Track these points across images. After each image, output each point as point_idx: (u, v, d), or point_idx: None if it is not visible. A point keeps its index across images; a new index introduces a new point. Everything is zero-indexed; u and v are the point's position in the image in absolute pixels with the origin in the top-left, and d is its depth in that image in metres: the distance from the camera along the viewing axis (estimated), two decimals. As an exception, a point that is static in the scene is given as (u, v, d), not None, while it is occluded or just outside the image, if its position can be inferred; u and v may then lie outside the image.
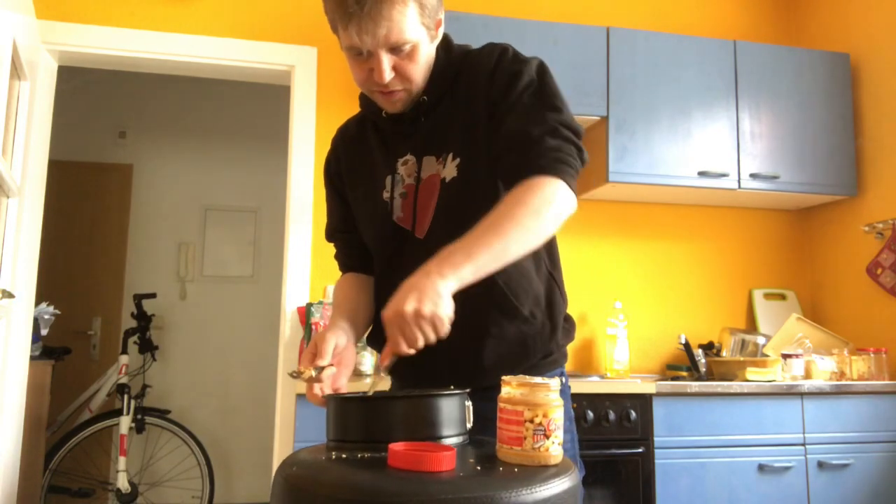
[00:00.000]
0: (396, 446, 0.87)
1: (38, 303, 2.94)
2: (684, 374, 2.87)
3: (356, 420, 0.98)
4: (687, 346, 2.87)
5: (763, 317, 3.19)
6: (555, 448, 0.90)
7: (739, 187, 2.90)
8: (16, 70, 2.41)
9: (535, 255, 1.23)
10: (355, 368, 2.32)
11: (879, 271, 2.92)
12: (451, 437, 0.97)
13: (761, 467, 2.48)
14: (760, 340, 2.91)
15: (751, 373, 2.58)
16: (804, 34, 3.44)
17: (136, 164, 4.52)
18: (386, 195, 1.26)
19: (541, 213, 1.05)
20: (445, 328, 0.97)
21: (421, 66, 1.17)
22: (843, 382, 2.61)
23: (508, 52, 1.21)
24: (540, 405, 0.89)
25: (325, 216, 1.45)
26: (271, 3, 2.96)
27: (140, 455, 4.15)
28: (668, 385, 2.48)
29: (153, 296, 3.90)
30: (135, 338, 3.79)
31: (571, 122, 1.15)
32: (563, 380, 1.22)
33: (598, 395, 2.42)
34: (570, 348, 1.32)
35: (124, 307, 4.30)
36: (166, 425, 3.73)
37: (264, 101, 4.48)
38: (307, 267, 2.83)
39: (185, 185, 4.57)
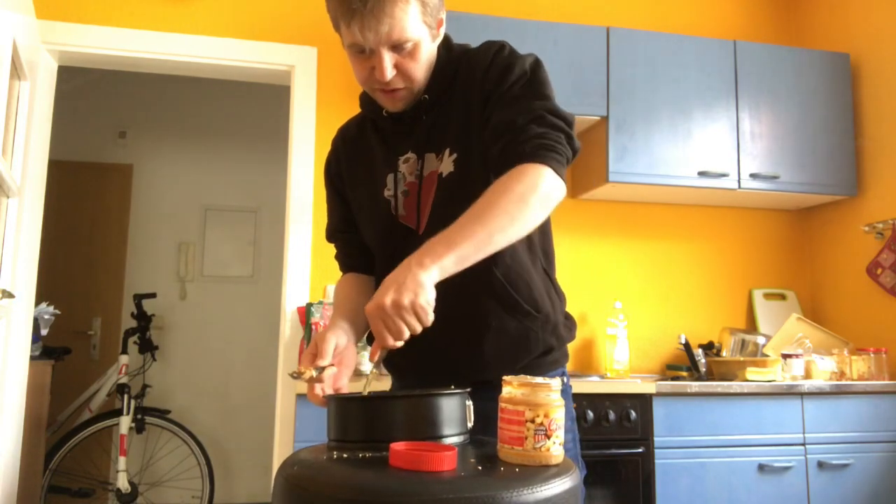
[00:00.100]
0: (397, 446, 0.87)
1: (38, 303, 2.94)
2: (684, 374, 2.87)
3: (357, 420, 0.98)
4: (687, 346, 2.87)
5: (763, 317, 3.19)
6: (556, 448, 0.90)
7: (739, 187, 2.90)
8: (16, 70, 2.41)
9: (532, 251, 1.23)
10: (356, 369, 2.32)
11: (879, 271, 2.92)
12: (452, 437, 0.97)
13: (761, 467, 2.49)
14: (760, 340, 2.91)
15: (751, 373, 2.58)
16: (804, 34, 3.44)
17: (136, 164, 4.52)
18: (388, 193, 1.26)
19: (525, 200, 1.05)
20: (429, 317, 0.97)
21: (422, 65, 1.17)
22: (843, 382, 2.61)
23: (504, 49, 1.22)
24: (541, 405, 0.89)
25: (326, 216, 1.45)
26: (271, 3, 2.96)
27: (140, 455, 4.15)
28: (668, 385, 2.48)
29: (153, 296, 3.90)
30: (135, 338, 3.79)
31: (558, 109, 1.14)
32: (565, 380, 1.22)
33: (598, 395, 2.42)
34: (570, 348, 1.32)
35: (124, 307, 4.30)
36: (166, 425, 3.73)
37: (264, 101, 4.48)
38: (307, 267, 2.83)
39: (185, 185, 4.57)
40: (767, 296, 3.26)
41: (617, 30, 2.88)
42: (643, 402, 2.45)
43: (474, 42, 1.29)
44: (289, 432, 2.51)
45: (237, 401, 4.46)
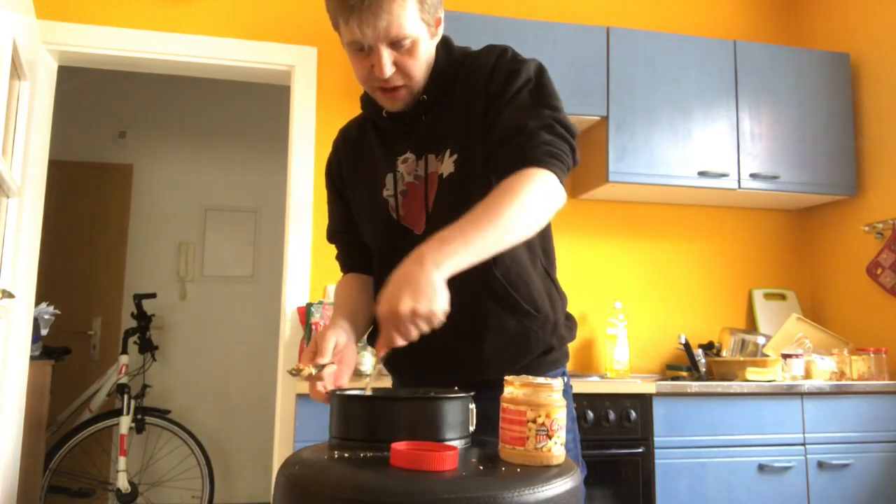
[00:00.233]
0: (399, 446, 0.87)
1: (38, 303, 2.93)
2: (684, 374, 2.87)
3: (360, 419, 0.98)
4: (687, 346, 2.87)
5: (763, 317, 3.19)
6: (557, 448, 0.90)
7: (739, 187, 2.91)
8: (16, 70, 2.41)
9: (531, 251, 1.23)
10: (356, 368, 2.33)
11: (879, 271, 2.92)
12: (455, 440, 0.97)
13: (761, 467, 2.49)
14: (760, 340, 2.91)
15: (751, 373, 2.58)
16: (804, 34, 3.44)
17: (136, 164, 4.52)
18: (386, 193, 1.26)
19: (535, 202, 1.06)
20: (440, 319, 0.97)
21: (421, 63, 1.18)
22: (843, 382, 2.62)
23: (507, 53, 1.22)
24: (543, 405, 0.89)
25: (326, 217, 1.45)
26: (271, 3, 2.96)
27: (140, 455, 4.14)
28: (668, 385, 2.48)
29: (153, 296, 3.90)
30: (135, 338, 3.79)
31: (566, 121, 1.16)
32: (566, 380, 1.22)
33: (598, 395, 2.43)
34: (571, 348, 1.32)
35: (124, 307, 4.29)
36: (166, 425, 3.73)
37: (264, 101, 4.48)
38: (307, 267, 2.83)
39: (185, 185, 4.57)
40: (767, 296, 3.26)
41: (617, 30, 2.88)
42: (643, 402, 2.45)
43: (474, 42, 1.29)
44: (289, 432, 2.51)
45: (237, 401, 4.46)
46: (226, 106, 4.61)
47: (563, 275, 1.31)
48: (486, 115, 1.19)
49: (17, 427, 2.63)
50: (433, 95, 1.23)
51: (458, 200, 1.18)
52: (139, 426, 3.62)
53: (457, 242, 0.99)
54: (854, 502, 2.54)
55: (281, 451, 2.65)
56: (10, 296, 2.31)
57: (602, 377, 2.84)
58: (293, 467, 0.89)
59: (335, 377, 1.13)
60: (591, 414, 2.39)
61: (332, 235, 1.44)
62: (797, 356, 2.68)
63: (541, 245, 1.26)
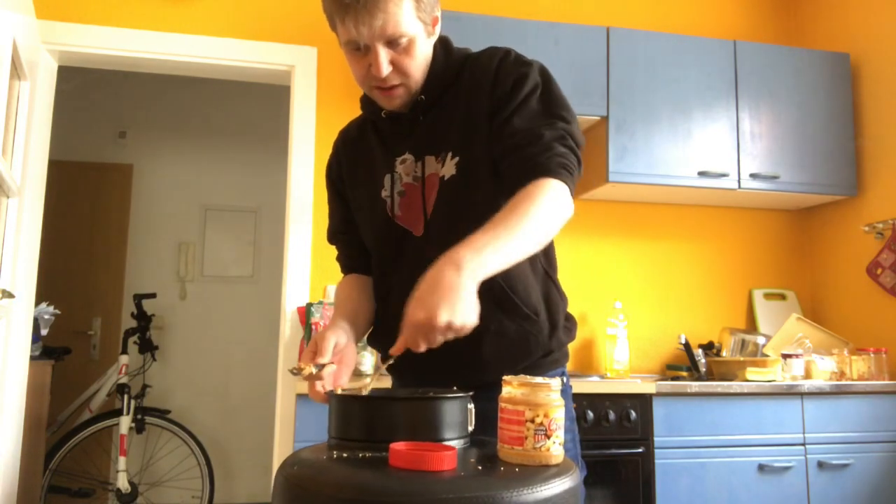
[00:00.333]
0: (398, 446, 0.87)
1: (38, 303, 2.94)
2: (684, 374, 2.87)
3: (359, 419, 0.98)
4: (687, 346, 2.87)
5: (763, 317, 3.19)
6: (556, 448, 0.90)
7: (739, 187, 2.90)
8: (16, 70, 2.41)
9: None
10: (355, 368, 2.33)
11: (879, 271, 2.92)
12: (453, 441, 0.97)
13: (761, 467, 2.49)
14: (760, 340, 2.91)
15: (751, 373, 2.58)
16: (804, 34, 3.44)
17: (136, 164, 4.53)
18: (384, 194, 1.26)
19: (551, 214, 1.08)
20: (467, 332, 0.97)
21: (418, 62, 1.18)
22: (843, 382, 2.61)
23: (511, 55, 1.22)
24: (541, 405, 0.89)
25: (327, 217, 1.45)
26: (271, 3, 2.96)
27: (140, 455, 4.14)
28: (668, 385, 2.48)
29: (153, 296, 3.90)
30: (135, 338, 3.79)
31: (577, 134, 1.18)
32: (565, 379, 1.22)
33: (598, 395, 2.42)
34: (571, 348, 1.32)
35: (124, 307, 4.30)
36: (166, 425, 3.73)
37: (264, 101, 4.48)
38: (307, 267, 2.83)
39: (185, 185, 4.57)
40: (767, 296, 3.26)
41: (617, 30, 2.88)
42: (643, 402, 2.45)
43: (474, 43, 1.30)
44: (289, 432, 2.51)
45: (237, 401, 4.46)
46: (226, 106, 4.61)
47: (563, 275, 1.31)
48: (491, 119, 1.19)
49: (17, 427, 2.63)
50: (432, 96, 1.23)
51: (459, 203, 1.19)
52: (139, 426, 3.62)
53: (489, 252, 0.99)
54: (854, 502, 2.54)
55: (281, 451, 2.65)
56: (10, 296, 2.31)
57: (602, 377, 2.84)
58: (292, 467, 0.89)
59: (335, 377, 1.13)
60: (591, 414, 2.39)
61: (333, 236, 1.44)
62: (797, 356, 2.68)
63: None
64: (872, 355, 2.72)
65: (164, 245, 4.51)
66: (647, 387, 2.45)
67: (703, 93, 2.91)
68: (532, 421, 0.88)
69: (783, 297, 3.27)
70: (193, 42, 2.85)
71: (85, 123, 4.43)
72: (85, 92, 4.37)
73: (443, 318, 0.93)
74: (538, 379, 0.91)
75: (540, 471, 0.86)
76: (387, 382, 1.44)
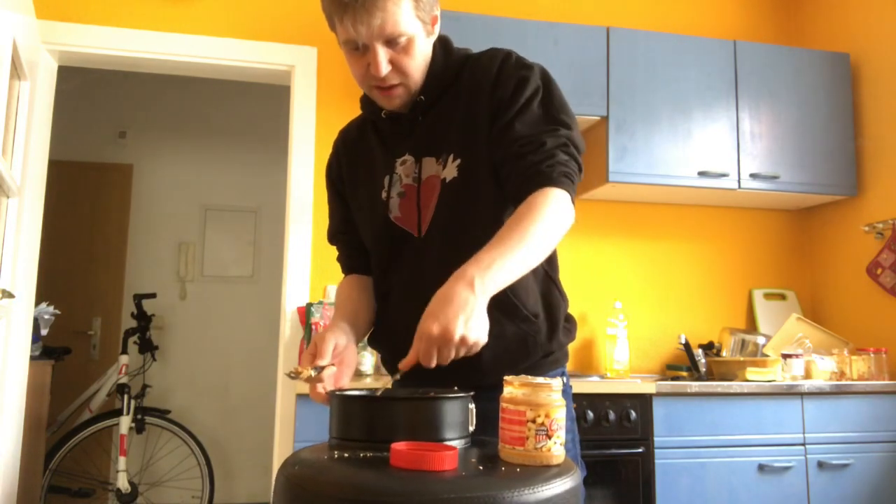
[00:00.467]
0: (399, 446, 0.87)
1: (38, 303, 2.93)
2: (684, 374, 2.87)
3: (359, 419, 0.98)
4: (687, 346, 2.87)
5: (763, 317, 3.19)
6: (557, 448, 0.90)
7: (739, 187, 2.91)
8: (16, 70, 2.41)
9: None
10: (356, 369, 2.34)
11: (879, 271, 2.92)
12: (454, 440, 0.97)
13: (761, 467, 2.49)
14: (760, 340, 2.91)
15: (751, 373, 2.58)
16: (804, 34, 3.44)
17: (136, 164, 4.53)
18: (384, 195, 1.26)
19: (557, 225, 1.09)
20: (477, 350, 0.99)
21: (417, 61, 1.17)
22: (843, 382, 2.61)
23: (512, 57, 1.22)
24: (542, 405, 0.89)
25: (327, 217, 1.45)
26: (271, 3, 2.96)
27: (140, 455, 4.14)
28: (668, 385, 2.48)
29: (153, 296, 3.90)
30: (135, 338, 3.79)
31: (578, 140, 1.18)
32: (565, 379, 1.22)
33: (598, 395, 2.42)
34: (571, 348, 1.32)
35: (124, 307, 4.29)
36: (166, 425, 3.73)
37: (264, 101, 4.48)
38: (307, 267, 2.83)
39: (185, 185, 4.57)
40: (767, 296, 3.26)
41: (617, 30, 2.88)
42: (643, 402, 2.45)
43: (474, 43, 1.29)
44: (289, 432, 2.51)
45: (237, 401, 4.46)
46: (226, 106, 4.61)
47: (563, 275, 1.31)
48: (492, 122, 1.18)
49: (17, 427, 2.63)
50: (431, 96, 1.22)
51: (461, 206, 1.19)
52: (139, 426, 3.62)
53: (498, 267, 1.00)
54: (854, 502, 2.54)
55: (281, 452, 2.65)
56: (10, 296, 2.31)
57: (602, 377, 2.84)
58: (293, 467, 0.89)
59: (335, 378, 1.13)
60: (591, 414, 2.39)
61: (333, 236, 1.43)
62: (797, 356, 2.68)
63: None
64: (872, 355, 2.72)
65: (164, 245, 4.50)
66: (647, 387, 2.45)
67: (703, 93, 2.91)
68: (533, 421, 0.88)
69: (783, 297, 3.28)
70: (193, 42, 2.85)
71: (85, 123, 4.43)
72: (85, 92, 4.37)
73: (458, 331, 0.94)
74: (539, 379, 0.91)
75: (541, 471, 0.86)
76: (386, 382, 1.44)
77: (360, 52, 1.14)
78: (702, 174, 2.86)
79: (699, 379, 2.77)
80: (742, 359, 2.71)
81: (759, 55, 3.00)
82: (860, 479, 2.55)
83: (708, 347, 2.96)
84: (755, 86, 2.97)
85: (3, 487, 2.46)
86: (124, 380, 3.61)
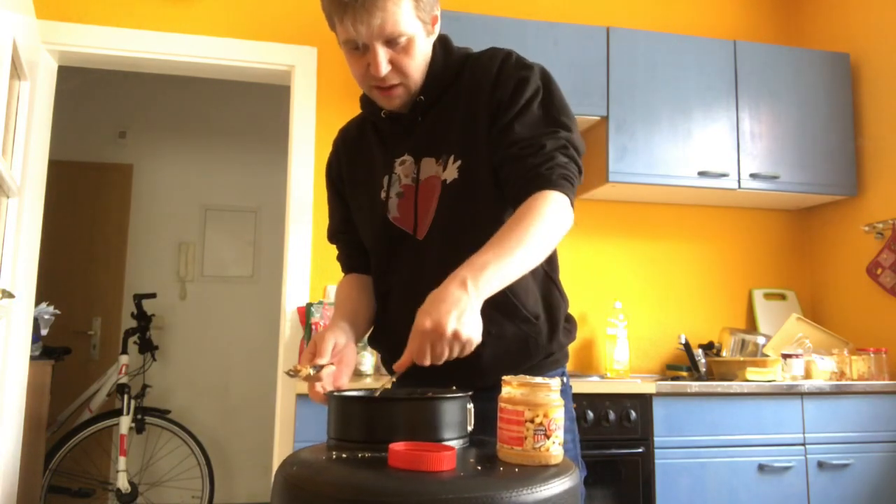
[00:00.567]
0: (397, 446, 0.87)
1: (38, 303, 2.94)
2: (684, 374, 2.87)
3: (358, 420, 0.98)
4: (687, 346, 2.87)
5: (763, 317, 3.19)
6: (555, 448, 0.90)
7: (739, 187, 2.90)
8: (16, 70, 2.41)
9: None
10: (356, 368, 2.34)
11: (879, 271, 2.92)
12: (452, 441, 0.97)
13: (761, 467, 2.49)
14: (760, 340, 2.91)
15: (751, 373, 2.58)
16: (804, 34, 3.44)
17: (136, 164, 4.53)
18: (383, 195, 1.26)
19: (555, 227, 1.09)
20: (471, 349, 0.98)
21: (417, 61, 1.17)
22: (843, 382, 2.61)
23: (512, 57, 1.22)
24: (540, 405, 0.89)
25: (327, 217, 1.45)
26: (271, 3, 2.96)
27: (140, 455, 4.14)
28: (668, 385, 2.48)
29: (153, 296, 3.90)
30: (135, 338, 3.79)
31: (578, 142, 1.17)
32: (565, 379, 1.22)
33: (598, 395, 2.42)
34: (571, 348, 1.32)
35: (124, 307, 4.30)
36: (166, 425, 3.73)
37: (264, 101, 4.48)
38: (307, 267, 2.83)
39: (185, 185, 4.57)
40: (767, 296, 3.26)
41: (617, 30, 2.88)
42: (643, 402, 2.45)
43: (474, 43, 1.29)
44: (289, 432, 2.51)
45: (237, 401, 4.46)
46: (226, 106, 4.61)
47: (563, 275, 1.31)
48: (492, 123, 1.18)
49: (17, 427, 2.63)
50: (431, 96, 1.22)
51: (461, 207, 1.18)
52: (139, 426, 3.62)
53: (493, 269, 1.00)
54: (854, 502, 2.54)
55: (281, 451, 2.65)
56: (10, 296, 2.31)
57: (602, 377, 2.84)
58: (291, 468, 0.89)
59: (334, 378, 1.13)
60: (591, 414, 2.39)
61: (333, 236, 1.43)
62: (797, 356, 2.68)
63: None
64: (872, 355, 2.72)
65: (164, 245, 4.51)
66: (647, 387, 2.45)
67: (703, 93, 2.91)
68: (531, 421, 0.88)
69: (783, 297, 3.27)
70: (193, 42, 2.85)
71: (85, 123, 4.43)
72: (85, 92, 4.38)
73: (450, 325, 0.94)
74: (538, 379, 0.91)
75: (539, 471, 0.86)
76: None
77: (359, 51, 1.14)
78: (702, 174, 2.86)
79: (699, 379, 2.77)
80: (742, 359, 2.70)
81: (759, 55, 2.99)
82: (860, 479, 2.55)
83: (708, 347, 2.96)
84: (755, 86, 2.97)
85: (3, 487, 2.46)
86: (124, 380, 3.61)
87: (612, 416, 2.41)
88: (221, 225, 4.60)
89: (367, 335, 1.35)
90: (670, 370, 3.02)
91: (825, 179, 3.00)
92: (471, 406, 1.00)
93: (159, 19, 2.85)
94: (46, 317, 3.07)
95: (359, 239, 1.36)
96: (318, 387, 1.10)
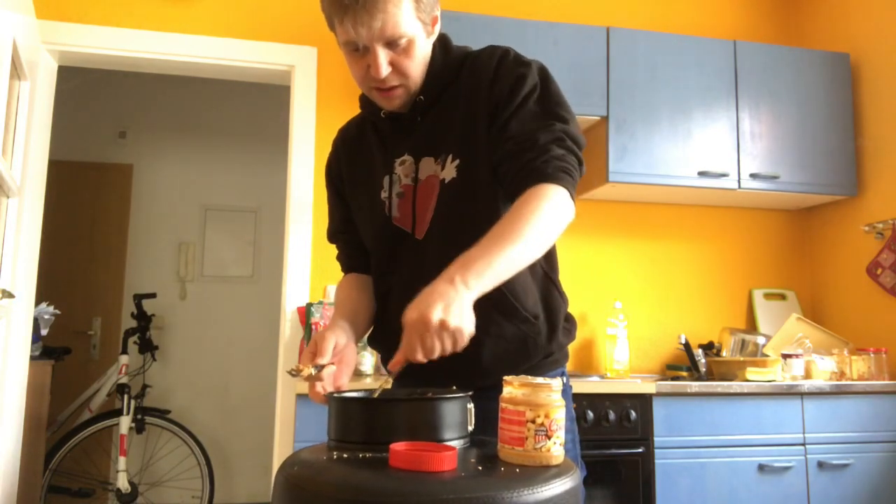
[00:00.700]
0: (397, 446, 0.87)
1: (38, 303, 2.94)
2: (684, 374, 2.87)
3: (358, 421, 0.98)
4: (687, 346, 2.87)
5: (763, 317, 3.19)
6: (556, 448, 0.90)
7: (739, 187, 2.90)
8: (16, 70, 2.41)
9: None
10: (356, 368, 2.33)
11: (879, 271, 2.92)
12: (453, 441, 0.96)
13: (761, 467, 2.49)
14: (760, 340, 2.91)
15: (751, 373, 2.58)
16: (804, 34, 3.44)
17: (136, 164, 4.53)
18: (384, 195, 1.26)
19: (550, 221, 1.07)
20: (464, 342, 0.97)
21: (418, 62, 1.17)
22: (843, 382, 2.61)
23: (510, 55, 1.21)
24: (542, 405, 0.89)
25: (327, 217, 1.45)
26: (271, 3, 2.96)
27: (140, 455, 4.14)
28: (668, 385, 2.48)
29: (153, 296, 3.90)
30: (135, 338, 3.79)
31: (576, 133, 1.16)
32: (564, 380, 1.22)
33: (598, 395, 2.42)
34: (571, 348, 1.32)
35: (124, 307, 4.29)
36: (166, 425, 3.73)
37: (264, 101, 4.48)
38: (307, 267, 2.83)
39: (185, 185, 4.57)
40: (767, 296, 3.26)
41: (617, 30, 2.88)
42: (643, 402, 2.45)
43: (474, 42, 1.29)
44: (289, 432, 2.51)
45: (237, 401, 4.46)
46: (226, 106, 4.61)
47: (563, 275, 1.31)
48: (491, 121, 1.18)
49: (17, 427, 2.63)
50: (431, 96, 1.22)
51: (461, 206, 1.18)
52: (139, 426, 3.62)
53: (483, 264, 0.99)
54: (854, 502, 2.54)
55: (281, 452, 2.64)
56: (10, 296, 2.31)
57: (602, 377, 2.84)
58: (292, 468, 0.89)
59: (335, 377, 1.13)
60: (591, 414, 2.39)
61: (333, 235, 1.43)
62: (797, 356, 2.68)
63: None
64: (872, 355, 2.72)
65: (164, 245, 4.50)
66: (647, 387, 2.45)
67: (703, 93, 2.91)
68: (533, 421, 0.88)
69: (783, 297, 3.27)
70: (193, 42, 2.85)
71: (85, 123, 4.43)
72: (85, 92, 4.38)
73: (435, 315, 0.94)
74: (539, 379, 0.91)
75: (540, 471, 0.86)
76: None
77: (359, 53, 1.14)
78: (702, 174, 2.86)
79: (699, 379, 2.77)
80: (742, 359, 2.70)
81: (759, 55, 2.99)
82: (860, 479, 2.55)
83: (708, 347, 2.96)
84: (755, 86, 2.97)
85: (3, 487, 2.46)
86: (124, 380, 3.61)
87: (612, 416, 2.41)
88: (221, 225, 4.60)
89: (367, 335, 1.35)
90: (670, 370, 3.02)
91: (825, 179, 3.00)
92: (471, 406, 1.00)
93: (159, 19, 2.84)
94: (46, 317, 3.07)
95: (359, 239, 1.36)
96: (319, 387, 1.10)
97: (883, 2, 3.02)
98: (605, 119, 2.81)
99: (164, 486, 4.12)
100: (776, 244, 3.34)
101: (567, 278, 1.32)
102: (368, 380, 2.40)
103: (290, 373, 1.09)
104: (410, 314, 0.97)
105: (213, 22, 2.89)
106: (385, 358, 1.33)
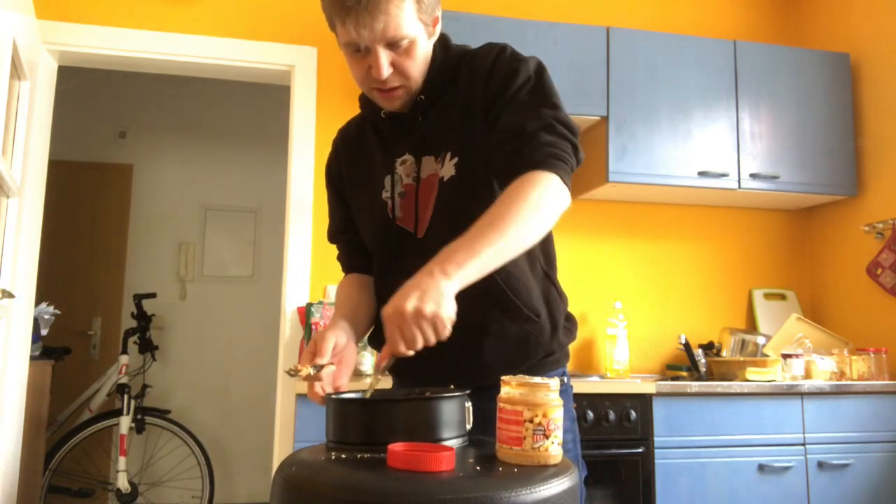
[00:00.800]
0: (396, 446, 0.87)
1: (38, 303, 2.94)
2: (684, 374, 2.87)
3: (356, 422, 0.98)
4: (687, 346, 2.87)
5: (763, 317, 3.19)
6: (554, 448, 0.90)
7: (739, 187, 2.90)
8: (16, 70, 2.41)
9: (530, 254, 1.22)
10: (356, 368, 2.33)
11: (879, 271, 2.92)
12: (451, 440, 0.96)
13: (761, 467, 2.48)
14: (760, 340, 2.91)
15: (751, 373, 2.58)
16: (804, 34, 3.44)
17: (136, 164, 4.53)
18: (385, 195, 1.26)
19: (539, 208, 1.05)
20: (447, 330, 0.96)
21: (419, 63, 1.17)
22: (843, 382, 2.61)
23: (507, 51, 1.21)
24: (539, 405, 0.89)
25: (327, 217, 1.45)
26: (271, 3, 2.96)
27: (140, 455, 4.15)
28: (668, 385, 2.48)
29: (153, 296, 3.90)
30: (135, 338, 3.79)
31: (567, 119, 1.15)
32: (565, 379, 1.22)
33: (598, 395, 2.42)
34: (571, 348, 1.32)
35: (124, 307, 4.30)
36: (166, 425, 3.73)
37: (264, 101, 4.48)
38: (307, 267, 2.83)
39: (185, 185, 4.57)
40: (767, 296, 3.26)
41: (617, 30, 2.88)
42: (643, 402, 2.45)
43: (474, 42, 1.29)
44: (289, 432, 2.51)
45: (237, 401, 4.46)
46: (226, 106, 4.61)
47: (563, 275, 1.31)
48: (486, 116, 1.18)
49: (17, 427, 2.63)
50: (431, 95, 1.22)
51: (460, 204, 1.18)
52: (139, 426, 3.62)
53: (464, 254, 0.98)
54: (854, 502, 2.54)
55: (281, 452, 2.64)
56: (10, 296, 2.31)
57: (602, 377, 2.84)
58: (290, 468, 0.89)
59: (334, 378, 1.13)
60: (591, 414, 2.39)
61: (333, 236, 1.43)
62: (797, 356, 2.68)
63: (540, 247, 1.24)
64: (872, 355, 2.72)
65: (164, 245, 4.51)
66: (647, 387, 2.45)
67: (703, 93, 2.91)
68: (530, 421, 0.88)
69: (783, 297, 3.27)
70: (193, 42, 2.85)
71: (85, 123, 4.43)
72: (85, 92, 4.38)
73: (410, 304, 0.93)
74: (536, 379, 0.91)
75: (538, 471, 0.86)
76: (387, 383, 1.44)
77: (361, 54, 1.14)
78: (702, 174, 2.86)
79: (699, 379, 2.77)
80: (742, 359, 2.70)
81: (759, 55, 2.99)
82: (860, 479, 2.55)
83: (708, 347, 2.96)
84: (755, 86, 2.97)
85: (3, 487, 2.46)
86: (124, 380, 3.61)
87: (612, 416, 2.41)
88: (221, 225, 4.60)
89: (367, 335, 1.35)
90: (670, 370, 3.02)
91: (825, 179, 3.00)
92: (469, 405, 1.00)
93: (159, 19, 2.85)
94: (46, 317, 3.08)
95: (359, 239, 1.36)
96: (318, 387, 1.10)
97: (883, 2, 3.02)
98: (605, 119, 2.81)
99: (164, 486, 4.12)
100: (776, 244, 3.34)
101: (567, 278, 1.32)
102: (368, 380, 2.40)
103: (288, 373, 1.09)
104: (387, 308, 0.96)
105: (212, 22, 2.89)
106: (386, 368, 1.33)
